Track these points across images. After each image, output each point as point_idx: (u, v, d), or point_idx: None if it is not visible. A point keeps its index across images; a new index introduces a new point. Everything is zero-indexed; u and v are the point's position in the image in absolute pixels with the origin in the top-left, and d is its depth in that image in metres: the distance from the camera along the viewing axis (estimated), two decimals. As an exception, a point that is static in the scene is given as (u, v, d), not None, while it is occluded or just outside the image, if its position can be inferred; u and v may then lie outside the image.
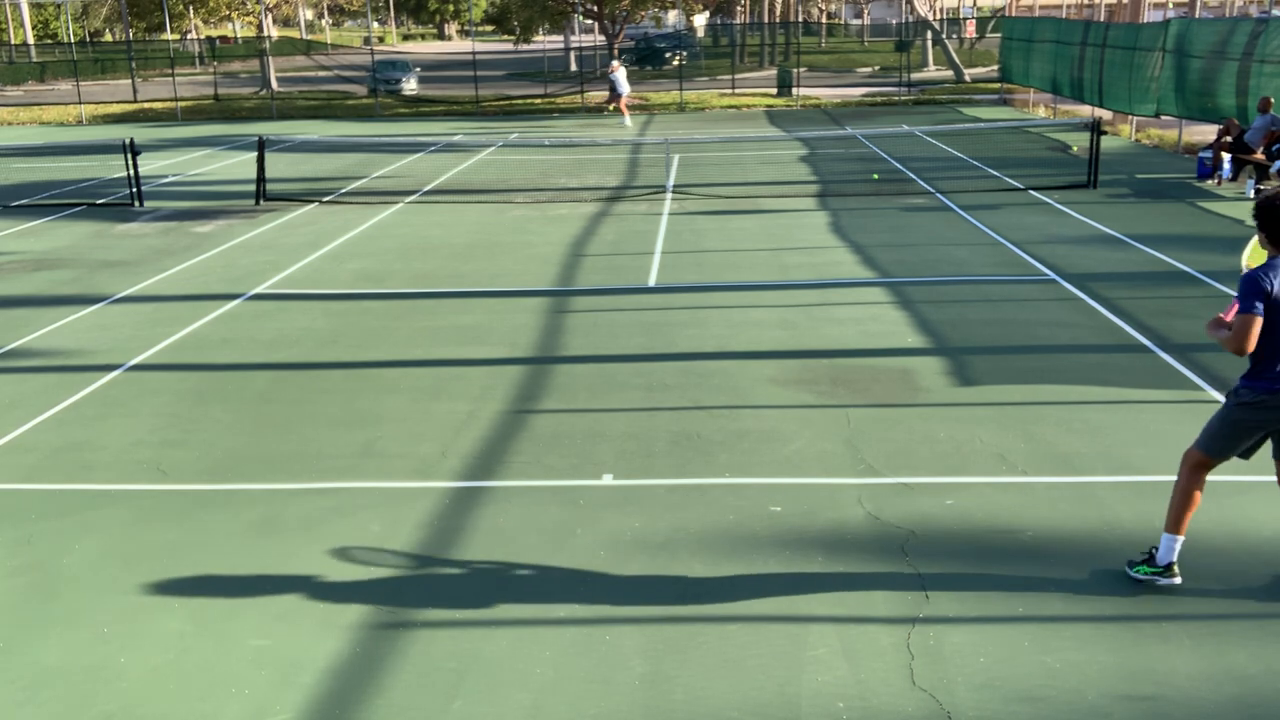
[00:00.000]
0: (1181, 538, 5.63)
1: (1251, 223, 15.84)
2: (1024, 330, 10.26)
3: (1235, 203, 16.29)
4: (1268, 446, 5.65)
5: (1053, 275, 12.18)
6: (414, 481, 7.22)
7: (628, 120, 31.37)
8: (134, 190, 19.03)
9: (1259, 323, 5.27)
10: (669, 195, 18.45)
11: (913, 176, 19.74)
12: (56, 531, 6.64)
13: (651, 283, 12.52)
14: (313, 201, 19.02)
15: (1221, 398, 8.31)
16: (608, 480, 7.15)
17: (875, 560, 6.00)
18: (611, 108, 31.97)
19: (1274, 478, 6.90)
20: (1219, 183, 17.73)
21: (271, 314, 11.58)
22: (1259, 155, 17.02)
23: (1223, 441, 5.53)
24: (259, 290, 12.61)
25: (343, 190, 20.35)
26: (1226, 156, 17.66)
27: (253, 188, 19.34)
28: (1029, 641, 5.20)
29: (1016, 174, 19.40)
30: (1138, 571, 5.70)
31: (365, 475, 7.35)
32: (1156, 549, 5.71)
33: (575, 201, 18.27)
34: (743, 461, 7.39)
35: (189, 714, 4.85)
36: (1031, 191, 17.67)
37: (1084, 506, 6.61)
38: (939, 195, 17.57)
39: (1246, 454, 5.61)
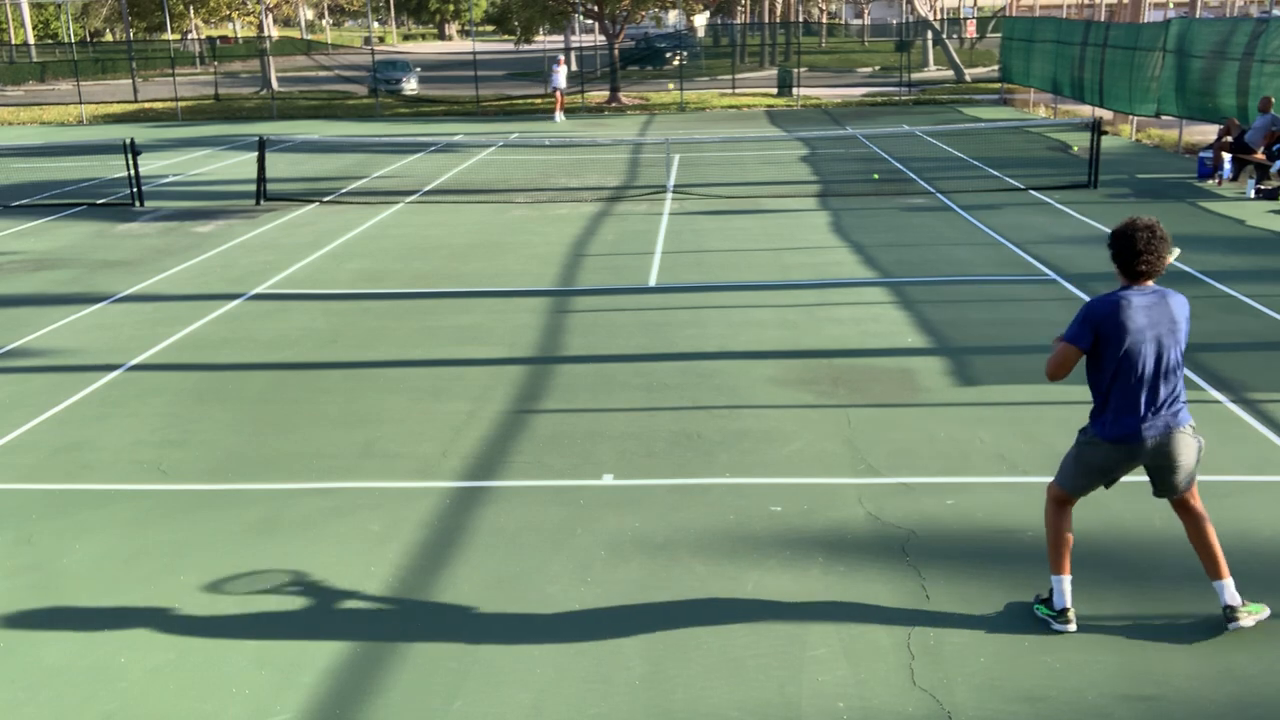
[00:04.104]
0: (1068, 577, 5.28)
1: (1253, 224, 15.78)
2: (1024, 330, 10.26)
3: (1235, 203, 16.29)
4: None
5: (1053, 275, 12.18)
6: (414, 481, 7.22)
7: (559, 117, 32.65)
8: (134, 190, 19.03)
9: (1077, 356, 5.09)
10: (669, 195, 18.44)
11: (913, 176, 19.74)
12: (56, 531, 6.64)
13: (652, 283, 12.52)
14: (313, 201, 19.02)
15: (1221, 397, 8.32)
16: (608, 480, 7.15)
17: (875, 560, 6.00)
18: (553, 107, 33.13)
19: (1274, 477, 6.92)
20: (1219, 183, 17.72)
21: (271, 314, 11.59)
22: (1259, 155, 17.01)
23: (1074, 480, 5.29)
24: (259, 290, 12.61)
25: (343, 190, 20.36)
26: (1227, 156, 17.65)
27: (253, 188, 19.33)
28: (1029, 641, 5.20)
29: (1017, 174, 19.40)
30: (1038, 610, 5.37)
31: (365, 475, 7.35)
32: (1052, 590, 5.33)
33: (575, 201, 18.27)
34: (743, 461, 7.39)
35: (189, 714, 4.85)
36: (1032, 191, 17.66)
37: (1084, 506, 6.56)
38: (939, 195, 17.56)
39: (1108, 485, 5.34)
